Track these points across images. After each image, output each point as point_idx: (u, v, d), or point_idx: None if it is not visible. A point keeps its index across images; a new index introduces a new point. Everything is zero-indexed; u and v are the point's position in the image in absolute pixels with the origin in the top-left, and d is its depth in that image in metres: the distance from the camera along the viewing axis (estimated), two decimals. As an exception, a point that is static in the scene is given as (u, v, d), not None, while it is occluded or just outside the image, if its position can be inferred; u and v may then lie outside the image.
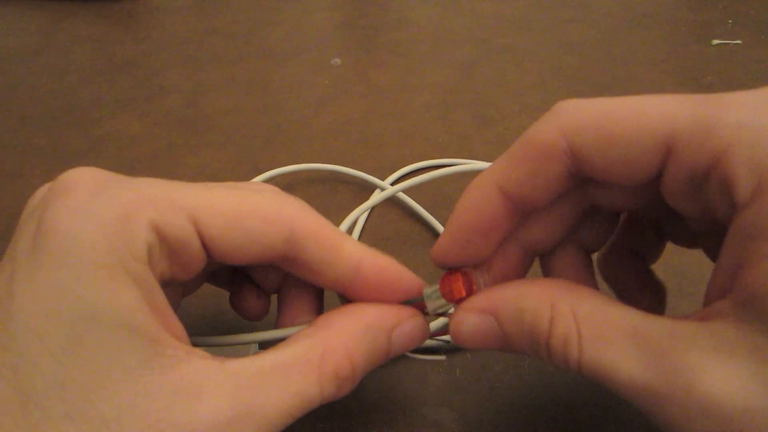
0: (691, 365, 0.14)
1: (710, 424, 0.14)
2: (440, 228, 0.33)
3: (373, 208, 0.35)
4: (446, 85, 0.50)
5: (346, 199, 0.36)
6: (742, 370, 0.14)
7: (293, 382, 0.17)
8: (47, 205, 0.16)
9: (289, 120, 0.45)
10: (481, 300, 0.19)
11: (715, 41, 0.55)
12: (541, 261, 0.22)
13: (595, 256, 0.22)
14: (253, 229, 0.18)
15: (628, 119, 0.16)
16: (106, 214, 0.16)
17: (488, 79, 0.50)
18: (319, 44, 0.59)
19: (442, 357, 0.26)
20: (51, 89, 0.51)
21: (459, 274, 0.20)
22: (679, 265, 0.24)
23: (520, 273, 0.21)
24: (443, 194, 0.36)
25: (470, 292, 0.19)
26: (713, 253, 0.19)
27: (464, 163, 0.38)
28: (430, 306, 0.20)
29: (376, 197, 0.32)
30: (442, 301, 0.20)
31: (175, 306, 0.21)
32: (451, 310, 0.21)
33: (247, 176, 0.38)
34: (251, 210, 0.18)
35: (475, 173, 0.23)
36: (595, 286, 0.21)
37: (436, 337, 0.25)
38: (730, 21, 0.59)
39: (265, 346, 0.19)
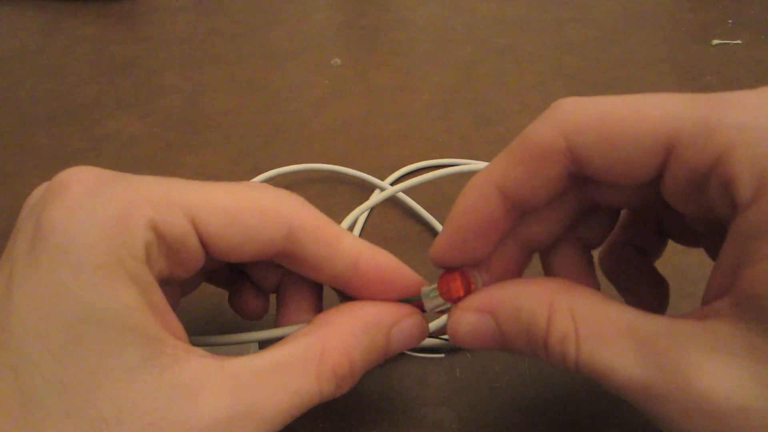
0: (689, 363, 0.14)
1: (707, 422, 0.14)
2: (440, 228, 0.33)
3: (373, 208, 0.35)
4: (446, 85, 0.50)
5: (346, 199, 0.36)
6: (739, 369, 0.14)
7: (292, 381, 0.17)
8: (45, 204, 0.16)
9: (289, 120, 0.45)
10: (478, 299, 0.19)
11: (715, 41, 0.55)
12: (541, 257, 0.21)
13: (596, 254, 0.22)
14: (252, 226, 0.18)
15: (628, 119, 0.16)
16: (104, 213, 0.16)
17: (488, 79, 0.50)
18: (319, 44, 0.59)
19: (442, 355, 0.26)
20: (51, 89, 0.51)
21: (457, 273, 0.20)
22: (679, 265, 0.24)
23: (519, 268, 0.21)
24: (443, 194, 0.36)
25: (468, 291, 0.19)
26: (714, 252, 0.19)
27: (465, 164, 0.38)
28: (428, 305, 0.20)
29: (376, 197, 0.32)
30: (440, 300, 0.20)
31: (174, 305, 0.21)
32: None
33: (247, 176, 0.38)
34: (249, 206, 0.18)
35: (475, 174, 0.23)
36: (596, 283, 0.21)
37: (436, 336, 0.25)
38: (730, 21, 0.59)
39: (265, 345, 0.19)
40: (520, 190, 0.18)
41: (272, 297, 0.23)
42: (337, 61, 0.54)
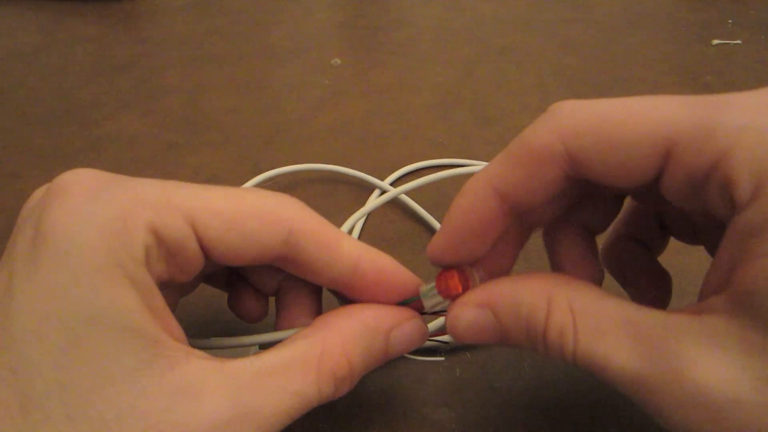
0: (683, 356, 0.14)
1: (700, 413, 0.14)
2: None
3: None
4: (446, 85, 0.50)
5: (346, 199, 0.36)
6: (733, 363, 0.14)
7: (292, 383, 0.17)
8: (45, 207, 0.16)
9: (289, 120, 0.45)
10: (478, 294, 0.19)
11: (715, 41, 0.55)
12: (545, 243, 0.22)
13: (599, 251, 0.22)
14: (252, 230, 0.18)
15: (626, 122, 0.16)
16: (104, 216, 0.16)
17: (488, 79, 0.50)
18: (319, 44, 0.59)
19: (442, 358, 0.26)
20: (51, 89, 0.51)
21: (455, 271, 0.20)
22: (679, 265, 0.24)
23: (516, 246, 0.21)
24: (443, 194, 0.36)
25: (466, 288, 0.20)
26: (713, 250, 0.19)
27: (466, 165, 0.38)
28: (427, 304, 0.20)
29: (379, 200, 0.32)
30: (439, 298, 0.20)
31: (173, 307, 0.21)
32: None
33: (247, 176, 0.38)
34: (249, 211, 0.18)
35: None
36: (599, 270, 0.21)
37: (435, 338, 0.25)
38: (730, 21, 0.59)
39: (265, 347, 0.19)
40: (517, 193, 0.18)
41: (271, 299, 0.23)
42: (337, 61, 0.54)
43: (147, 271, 0.16)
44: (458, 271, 0.20)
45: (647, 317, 0.16)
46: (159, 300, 0.17)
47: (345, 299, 0.21)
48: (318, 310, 0.22)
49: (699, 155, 0.15)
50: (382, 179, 0.37)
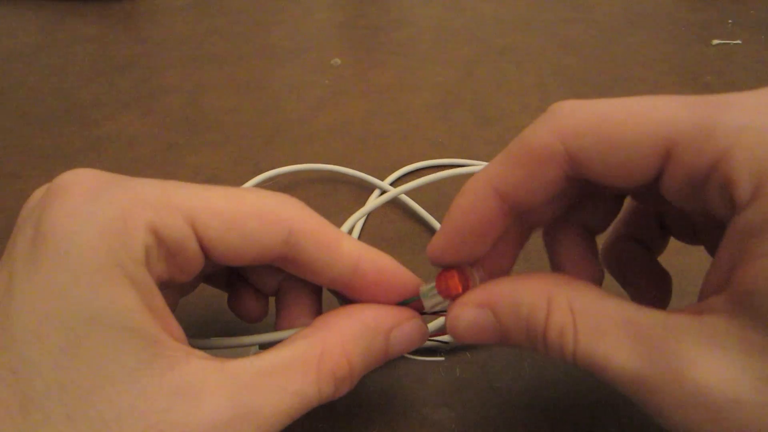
0: (683, 356, 0.14)
1: (700, 413, 0.14)
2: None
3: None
4: (446, 85, 0.50)
5: (346, 199, 0.36)
6: (733, 362, 0.14)
7: (292, 382, 0.17)
8: (44, 207, 0.16)
9: (289, 120, 0.45)
10: (478, 294, 0.19)
11: (715, 41, 0.55)
12: (545, 242, 0.22)
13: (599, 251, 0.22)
14: (252, 230, 0.18)
15: (626, 122, 0.16)
16: (104, 217, 0.16)
17: (488, 79, 0.50)
18: (319, 44, 0.59)
19: (442, 358, 0.26)
20: (51, 89, 0.51)
21: (455, 271, 0.20)
22: (679, 265, 0.24)
23: (516, 247, 0.21)
24: (444, 195, 0.36)
25: (466, 288, 0.20)
26: (713, 250, 0.19)
27: (466, 165, 0.38)
28: (427, 304, 0.20)
29: (378, 200, 0.32)
30: (439, 298, 0.20)
31: (173, 307, 0.21)
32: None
33: (247, 176, 0.38)
34: (249, 211, 0.18)
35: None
36: (599, 270, 0.21)
37: (435, 338, 0.25)
38: (730, 21, 0.59)
39: (265, 347, 0.19)
40: (517, 193, 0.18)
41: (271, 300, 0.23)
42: (337, 61, 0.54)
43: (147, 271, 0.16)
44: (458, 271, 0.20)
45: (647, 317, 0.16)
46: (159, 300, 0.17)
47: (345, 299, 0.21)
48: (318, 310, 0.22)
49: (699, 155, 0.15)
50: (382, 179, 0.37)
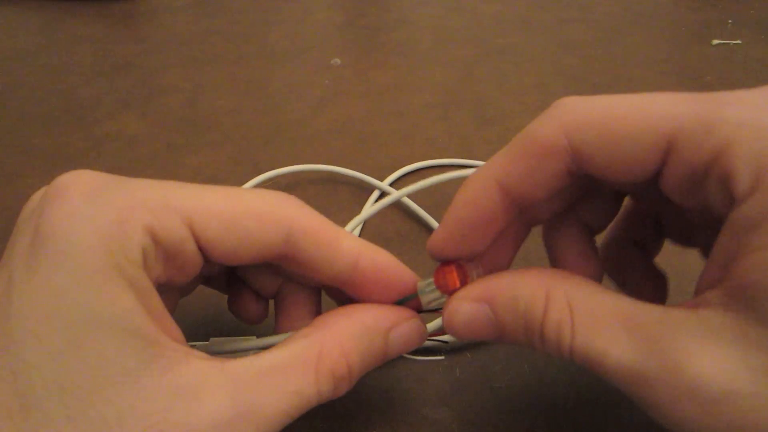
0: (679, 349, 0.15)
1: (696, 406, 0.14)
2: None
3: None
4: (446, 85, 0.50)
5: (345, 200, 0.36)
6: (729, 356, 0.14)
7: (291, 382, 0.17)
8: (43, 208, 0.16)
9: (289, 120, 0.45)
10: (475, 289, 0.19)
11: (715, 41, 0.55)
12: (545, 240, 0.22)
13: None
14: (251, 230, 0.18)
15: (629, 117, 0.16)
16: (102, 218, 0.16)
17: (488, 79, 0.50)
18: (319, 44, 0.59)
19: (441, 358, 0.26)
20: (51, 89, 0.51)
21: (453, 266, 0.20)
22: (678, 265, 0.24)
23: (515, 244, 0.21)
24: (444, 195, 0.36)
25: (464, 283, 0.20)
26: (709, 253, 0.19)
27: (467, 166, 0.38)
28: (425, 299, 0.20)
29: (378, 204, 0.32)
30: (437, 293, 0.20)
31: (172, 309, 0.21)
32: None
33: (247, 176, 0.38)
34: (247, 210, 0.18)
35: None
36: (598, 268, 0.21)
37: (435, 338, 0.25)
38: (730, 21, 0.59)
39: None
40: (520, 187, 0.18)
41: (271, 301, 0.23)
42: (337, 61, 0.54)
43: (144, 273, 0.16)
44: (456, 267, 0.20)
45: (644, 312, 0.16)
46: (157, 301, 0.17)
47: (343, 302, 0.21)
48: (317, 312, 0.22)
49: (699, 150, 0.15)
50: (382, 179, 0.37)
